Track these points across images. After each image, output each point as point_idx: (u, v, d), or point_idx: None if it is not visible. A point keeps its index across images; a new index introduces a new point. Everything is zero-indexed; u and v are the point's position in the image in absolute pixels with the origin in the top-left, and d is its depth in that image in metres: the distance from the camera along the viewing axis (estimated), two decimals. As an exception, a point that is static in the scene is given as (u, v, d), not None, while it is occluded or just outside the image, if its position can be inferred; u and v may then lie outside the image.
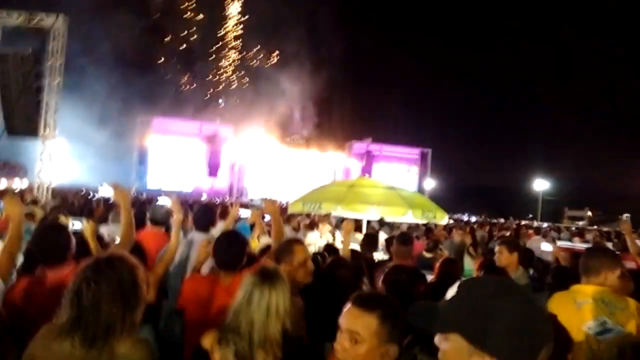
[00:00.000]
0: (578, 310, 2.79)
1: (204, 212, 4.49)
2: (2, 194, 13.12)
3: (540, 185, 40.81)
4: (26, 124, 12.05)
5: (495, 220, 26.91)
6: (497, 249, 4.32)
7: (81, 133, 28.94)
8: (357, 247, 5.58)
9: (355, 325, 1.54)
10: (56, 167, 14.09)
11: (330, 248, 5.48)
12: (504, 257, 4.19)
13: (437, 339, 1.08)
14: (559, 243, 6.69)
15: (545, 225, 23.08)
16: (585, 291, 2.86)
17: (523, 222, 26.78)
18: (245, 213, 5.13)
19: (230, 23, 49.37)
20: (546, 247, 6.21)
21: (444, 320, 1.06)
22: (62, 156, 21.58)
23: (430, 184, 40.79)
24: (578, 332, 2.72)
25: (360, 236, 7.30)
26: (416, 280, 3.09)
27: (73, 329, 1.76)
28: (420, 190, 40.35)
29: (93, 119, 30.78)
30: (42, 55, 12.44)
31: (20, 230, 2.68)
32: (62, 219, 3.45)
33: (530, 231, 11.97)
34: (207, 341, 1.99)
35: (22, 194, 14.58)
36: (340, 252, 4.35)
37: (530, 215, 36.34)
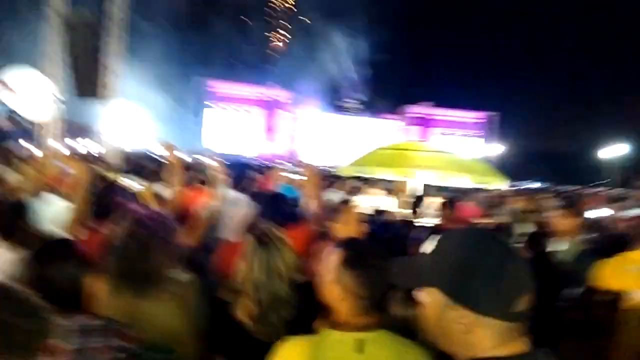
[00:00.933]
0: (626, 276, 2.73)
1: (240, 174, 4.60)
2: (71, 157, 13.99)
3: (616, 150, 38.08)
4: (90, 86, 12.57)
5: (562, 187, 25.51)
6: (553, 213, 4.16)
7: (141, 96, 30.05)
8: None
9: (324, 258, 1.67)
10: (122, 130, 14.75)
11: (379, 213, 5.45)
12: (559, 223, 4.02)
13: (418, 294, 1.08)
14: (630, 211, 6.24)
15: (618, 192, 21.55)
16: (635, 258, 2.81)
17: (595, 190, 25.25)
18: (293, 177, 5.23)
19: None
20: (604, 213, 5.87)
21: (422, 275, 1.05)
22: (127, 119, 22.55)
23: (497, 149, 39.07)
24: (626, 299, 2.66)
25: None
26: None
27: (124, 281, 1.87)
28: (486, 156, 38.85)
29: (152, 81, 31.81)
30: (103, 17, 12.79)
31: (87, 191, 2.99)
32: (117, 177, 3.77)
33: (596, 197, 11.13)
34: (228, 294, 2.05)
35: (93, 157, 15.45)
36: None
37: (604, 181, 34.09)
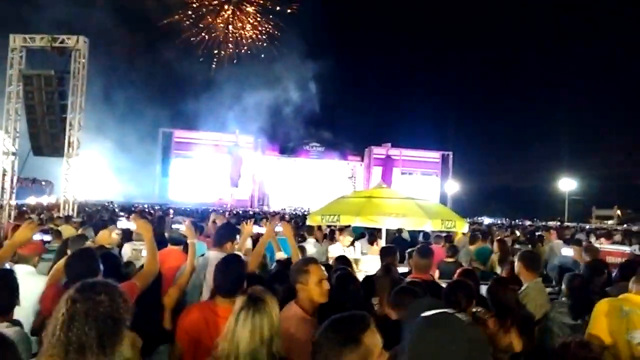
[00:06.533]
0: (623, 318, 2.82)
1: (225, 230, 4.22)
2: (30, 211, 13.51)
3: (567, 184, 39.87)
4: (51, 143, 12.34)
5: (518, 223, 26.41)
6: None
7: (103, 148, 29.63)
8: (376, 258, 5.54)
9: None
10: (82, 183, 14.40)
11: (342, 260, 5.36)
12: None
13: None
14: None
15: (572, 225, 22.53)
16: (634, 300, 2.88)
17: (550, 224, 26.24)
18: (278, 228, 4.78)
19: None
20: (567, 252, 6.03)
21: None
22: (88, 172, 22.05)
23: (452, 187, 40.28)
24: (622, 341, 2.76)
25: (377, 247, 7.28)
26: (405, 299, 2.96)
27: (51, 348, 1.73)
28: (443, 193, 39.95)
29: (114, 134, 31.48)
30: (65, 75, 12.75)
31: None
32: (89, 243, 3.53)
33: (552, 232, 11.42)
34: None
35: (48, 209, 14.91)
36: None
37: (559, 218, 35.41)
